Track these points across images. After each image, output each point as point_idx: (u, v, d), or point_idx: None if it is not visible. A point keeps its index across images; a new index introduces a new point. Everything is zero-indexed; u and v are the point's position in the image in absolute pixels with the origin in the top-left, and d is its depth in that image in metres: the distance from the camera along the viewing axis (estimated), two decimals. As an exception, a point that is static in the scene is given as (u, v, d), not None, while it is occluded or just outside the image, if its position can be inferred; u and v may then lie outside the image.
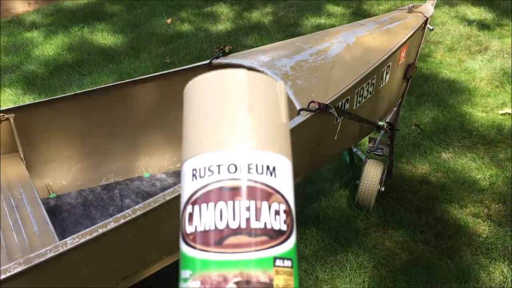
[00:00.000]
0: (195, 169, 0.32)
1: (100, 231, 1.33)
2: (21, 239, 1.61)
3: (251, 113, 0.33)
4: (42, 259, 1.24)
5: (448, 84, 3.66)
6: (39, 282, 1.30)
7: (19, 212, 1.74)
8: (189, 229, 0.31)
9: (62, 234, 1.94)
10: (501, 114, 3.29)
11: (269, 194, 0.32)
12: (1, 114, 2.05)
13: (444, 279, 2.17)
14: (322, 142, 2.07)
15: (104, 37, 4.50)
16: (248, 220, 0.31)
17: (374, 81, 2.13)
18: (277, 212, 0.32)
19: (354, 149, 2.87)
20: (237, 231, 0.30)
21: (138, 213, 1.41)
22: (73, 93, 2.20)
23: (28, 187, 1.88)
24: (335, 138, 1.99)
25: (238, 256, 0.30)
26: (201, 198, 0.31)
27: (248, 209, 0.31)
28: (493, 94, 3.53)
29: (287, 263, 0.31)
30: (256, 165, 0.32)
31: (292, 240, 0.32)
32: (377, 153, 2.60)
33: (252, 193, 0.31)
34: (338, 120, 1.99)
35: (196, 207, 0.31)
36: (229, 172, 0.31)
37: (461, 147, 2.99)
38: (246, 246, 0.30)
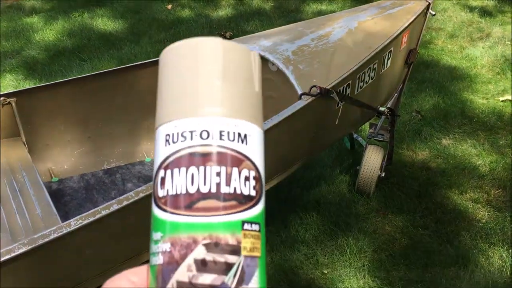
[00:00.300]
0: (168, 135, 0.33)
1: (103, 212, 1.34)
2: (25, 221, 1.62)
3: (224, 81, 0.34)
4: (46, 239, 1.25)
5: (449, 70, 3.65)
6: (43, 263, 1.32)
7: (22, 195, 1.75)
8: (161, 192, 0.32)
9: (65, 217, 1.95)
10: (502, 101, 3.29)
11: (239, 160, 0.32)
12: (3, 98, 2.05)
13: (444, 263, 2.19)
14: (323, 127, 2.07)
15: (104, 22, 4.48)
16: (218, 185, 0.31)
17: (375, 66, 2.13)
18: (247, 178, 0.32)
19: (355, 135, 2.88)
20: (207, 195, 0.31)
21: (141, 195, 1.42)
22: (74, 77, 2.20)
23: (31, 170, 1.89)
24: (336, 122, 1.99)
25: (207, 219, 0.31)
26: (173, 163, 0.32)
27: (218, 174, 0.32)
28: (494, 81, 3.53)
29: (255, 227, 0.32)
30: (228, 132, 0.33)
31: (261, 205, 0.33)
32: (377, 138, 2.61)
33: (223, 159, 0.32)
34: (339, 105, 1.99)
35: (168, 171, 0.32)
36: (201, 138, 0.32)
37: (462, 133, 3.00)
38: (216, 210, 0.31)
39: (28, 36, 4.26)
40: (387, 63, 2.22)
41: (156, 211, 0.32)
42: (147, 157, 2.38)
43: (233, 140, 0.32)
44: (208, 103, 0.33)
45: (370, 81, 2.15)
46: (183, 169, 0.32)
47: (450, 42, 4.06)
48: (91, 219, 1.32)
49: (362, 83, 2.11)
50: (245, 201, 0.32)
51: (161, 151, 0.33)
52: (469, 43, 4.03)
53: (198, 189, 0.31)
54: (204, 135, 0.32)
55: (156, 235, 0.32)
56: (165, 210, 0.32)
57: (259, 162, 0.34)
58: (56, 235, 1.27)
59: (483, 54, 3.84)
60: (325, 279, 2.15)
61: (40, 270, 1.33)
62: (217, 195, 0.31)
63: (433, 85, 3.45)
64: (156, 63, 2.32)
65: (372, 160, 2.48)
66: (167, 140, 0.33)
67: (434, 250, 2.27)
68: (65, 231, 1.28)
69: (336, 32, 2.19)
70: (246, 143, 0.33)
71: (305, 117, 1.89)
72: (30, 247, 1.22)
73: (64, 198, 2.09)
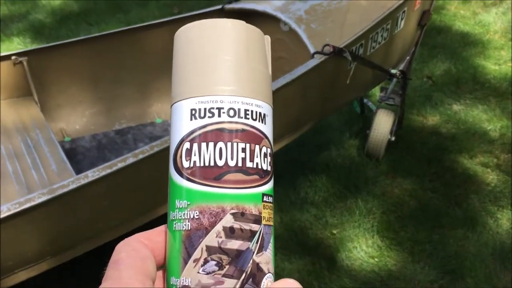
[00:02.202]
0: (194, 110, 0.35)
1: (120, 165, 1.36)
2: (40, 176, 1.65)
3: (249, 63, 0.36)
4: (65, 190, 1.27)
5: (462, 36, 3.60)
6: (61, 213, 1.34)
7: (37, 152, 1.77)
8: (186, 164, 0.34)
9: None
10: (514, 67, 3.25)
11: (260, 138, 0.35)
12: (14, 57, 2.05)
13: (452, 225, 2.21)
14: (335, 88, 2.06)
15: (111, -14, 4.41)
16: (244, 160, 0.34)
17: (389, 26, 2.10)
18: (265, 155, 0.36)
19: (365, 100, 2.87)
20: (234, 169, 0.34)
21: (156, 149, 1.43)
22: (84, 37, 2.19)
23: (44, 128, 1.91)
24: (348, 81, 1.98)
25: (235, 191, 0.34)
26: (201, 137, 0.34)
27: (244, 150, 0.34)
28: (506, 47, 3.48)
29: (270, 199, 0.36)
30: (252, 112, 0.35)
31: (272, 179, 0.37)
32: (388, 102, 2.59)
33: (247, 136, 0.35)
34: (352, 66, 1.98)
35: (195, 144, 0.34)
36: (229, 116, 0.35)
37: (473, 99, 2.98)
38: (242, 183, 0.34)
39: (34, -1, 4.22)
40: (400, 24, 2.19)
41: (180, 180, 0.35)
42: (158, 118, 2.38)
43: (255, 120, 0.35)
44: (236, 83, 0.35)
45: (383, 41, 2.13)
46: (211, 144, 0.34)
47: (462, 8, 3.98)
48: (108, 171, 1.34)
49: (375, 43, 2.09)
50: (264, 175, 0.35)
51: (186, 125, 0.35)
52: (482, 9, 3.96)
53: (226, 163, 0.34)
54: (231, 113, 0.34)
55: (181, 203, 0.34)
56: (193, 181, 0.34)
57: (272, 140, 0.37)
58: (74, 186, 1.29)
59: (496, 20, 3.78)
60: (334, 239, 2.18)
61: (59, 219, 1.35)
62: (243, 169, 0.34)
63: (445, 51, 3.41)
64: (166, 23, 2.31)
65: (383, 124, 2.48)
66: (193, 115, 0.35)
67: (442, 212, 2.29)
68: (83, 182, 1.30)
69: (350, -9, 2.15)
70: (265, 123, 0.36)
71: (317, 77, 1.88)
72: (50, 196, 1.24)
73: (77, 157, 2.11)
